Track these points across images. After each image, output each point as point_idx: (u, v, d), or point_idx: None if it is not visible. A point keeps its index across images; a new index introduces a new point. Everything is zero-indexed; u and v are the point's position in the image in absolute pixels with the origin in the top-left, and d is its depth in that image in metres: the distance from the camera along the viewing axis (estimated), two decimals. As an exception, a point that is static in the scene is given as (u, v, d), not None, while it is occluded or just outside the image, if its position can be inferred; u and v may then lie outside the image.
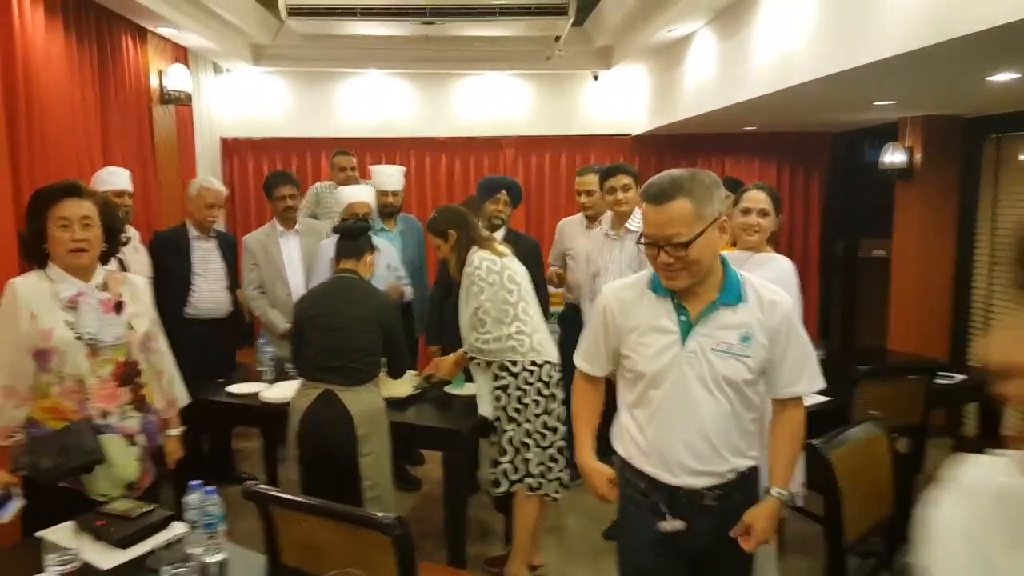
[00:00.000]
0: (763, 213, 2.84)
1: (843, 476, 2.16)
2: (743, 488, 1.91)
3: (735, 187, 3.36)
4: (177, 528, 2.05)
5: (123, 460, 2.26)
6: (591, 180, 3.96)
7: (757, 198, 2.85)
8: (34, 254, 2.24)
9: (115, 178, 3.61)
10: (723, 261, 1.86)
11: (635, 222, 3.44)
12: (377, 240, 3.43)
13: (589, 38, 5.86)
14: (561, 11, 4.75)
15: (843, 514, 2.14)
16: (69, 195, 2.20)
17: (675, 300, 1.85)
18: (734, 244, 2.92)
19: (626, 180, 3.54)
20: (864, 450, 2.28)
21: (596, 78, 6.23)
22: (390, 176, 4.34)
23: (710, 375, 1.82)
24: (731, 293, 1.84)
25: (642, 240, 1.83)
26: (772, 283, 2.72)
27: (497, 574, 3.18)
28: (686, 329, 1.83)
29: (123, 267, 3.43)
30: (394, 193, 4.31)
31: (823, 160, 6.36)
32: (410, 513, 3.94)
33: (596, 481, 2.05)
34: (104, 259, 2.33)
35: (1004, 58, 2.83)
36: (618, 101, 6.28)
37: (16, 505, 2.05)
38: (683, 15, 4.43)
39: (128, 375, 2.28)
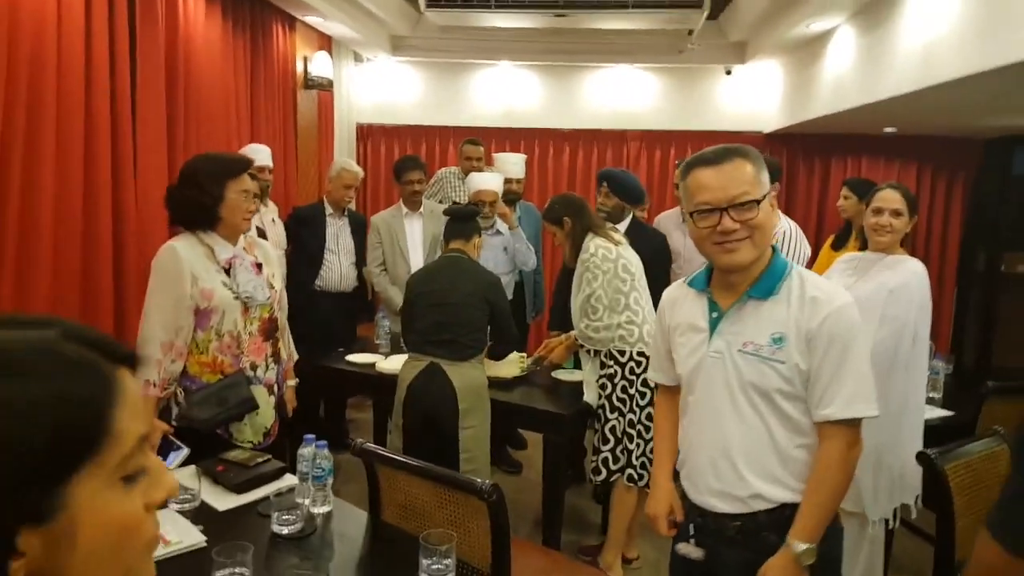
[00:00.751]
0: (896, 213, 2.68)
1: (958, 492, 2.03)
2: (780, 527, 1.59)
3: (866, 190, 3.21)
4: (289, 479, 2.19)
5: (266, 409, 2.48)
6: None
7: (890, 197, 2.70)
8: (204, 218, 2.37)
9: (257, 155, 3.87)
10: (773, 250, 1.64)
11: None
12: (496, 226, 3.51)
13: (723, 32, 5.72)
14: (695, 4, 4.67)
15: (956, 533, 2.01)
16: (247, 169, 2.42)
17: (710, 295, 1.68)
18: (864, 247, 2.79)
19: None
20: (983, 465, 2.13)
21: (729, 73, 6.07)
22: (514, 164, 4.43)
23: (736, 380, 1.60)
24: (764, 284, 1.60)
25: (697, 211, 1.59)
26: (901, 287, 2.62)
27: (590, 562, 3.20)
28: (714, 326, 1.65)
29: (262, 237, 3.70)
30: (517, 181, 4.41)
31: (970, 167, 5.92)
32: (509, 495, 4.02)
33: (652, 504, 1.87)
34: None
35: None
36: (751, 97, 6.10)
37: (182, 454, 2.19)
38: (823, 9, 4.25)
39: (271, 330, 2.50)
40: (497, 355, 3.28)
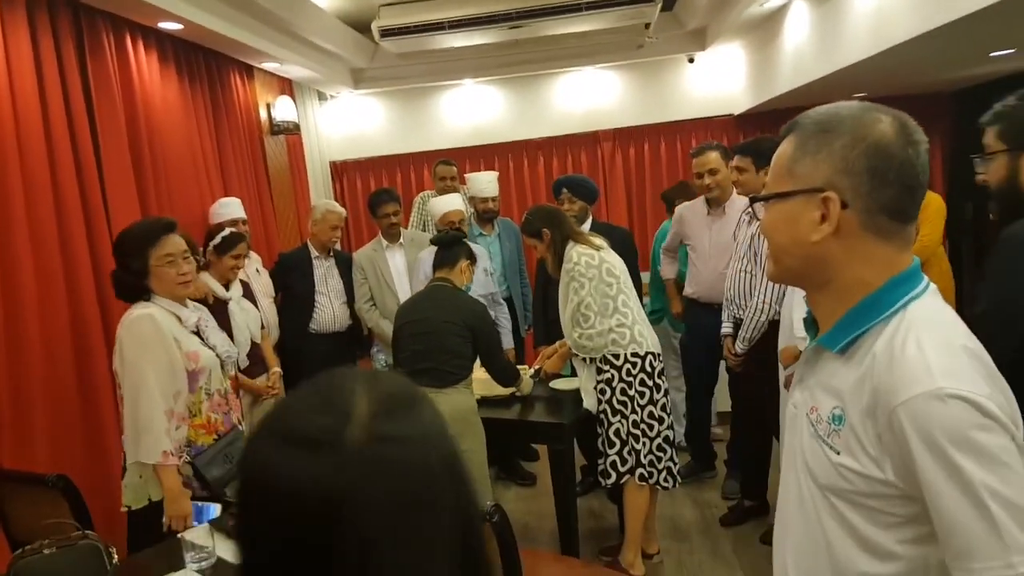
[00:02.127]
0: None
1: None
2: None
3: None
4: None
5: None
6: (712, 158, 3.68)
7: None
8: (131, 291, 2.35)
9: (228, 209, 3.89)
10: (901, 283, 1.07)
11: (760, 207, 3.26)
12: (473, 247, 3.53)
13: (680, 22, 5.75)
14: (648, -1, 4.69)
15: None
16: (168, 232, 2.34)
17: (811, 327, 1.20)
18: None
19: (741, 162, 3.33)
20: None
21: (692, 61, 6.09)
22: (488, 183, 4.44)
23: (799, 455, 1.14)
24: (838, 329, 1.09)
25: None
26: None
27: (611, 562, 3.20)
28: (803, 368, 1.20)
29: (248, 290, 3.70)
30: (493, 199, 4.42)
31: (944, 121, 5.94)
32: (523, 507, 4.02)
33: None
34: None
35: None
36: (717, 82, 6.12)
37: (217, 508, 2.21)
38: (773, -14, 4.28)
39: (235, 385, 2.50)
40: (501, 383, 3.28)
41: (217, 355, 2.39)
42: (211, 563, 2.01)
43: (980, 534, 0.93)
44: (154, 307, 2.35)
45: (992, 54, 3.97)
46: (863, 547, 1.05)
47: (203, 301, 3.09)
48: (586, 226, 3.74)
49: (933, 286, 1.10)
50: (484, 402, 3.28)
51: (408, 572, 0.61)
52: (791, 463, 1.18)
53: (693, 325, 3.98)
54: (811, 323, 1.18)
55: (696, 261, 3.95)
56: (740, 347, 3.33)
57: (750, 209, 3.33)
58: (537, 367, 3.49)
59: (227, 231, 3.49)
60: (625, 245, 3.69)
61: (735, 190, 3.65)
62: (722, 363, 3.84)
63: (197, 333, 2.43)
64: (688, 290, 4.03)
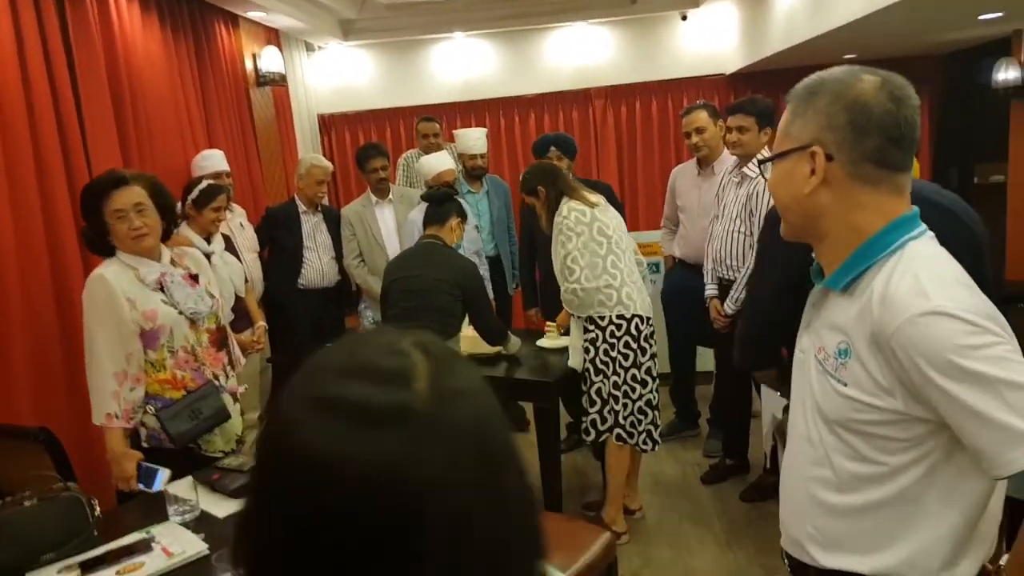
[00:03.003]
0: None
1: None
2: None
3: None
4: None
5: (235, 417, 2.49)
6: (700, 117, 3.67)
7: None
8: (101, 247, 2.32)
9: (210, 161, 3.82)
10: (897, 227, 1.15)
11: (753, 167, 3.25)
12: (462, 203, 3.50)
13: (674, -23, 5.64)
14: (640, -48, 4.60)
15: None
16: (116, 186, 2.25)
17: (818, 275, 1.27)
18: None
19: (742, 120, 3.25)
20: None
21: (684, 18, 5.99)
22: (477, 140, 4.38)
23: (808, 396, 1.24)
24: (843, 269, 1.18)
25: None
26: None
27: (594, 517, 3.25)
28: (808, 314, 1.31)
29: (230, 244, 3.67)
30: (482, 156, 4.36)
31: (932, 83, 5.89)
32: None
33: None
34: (164, 236, 2.40)
35: None
36: (709, 40, 6.03)
37: (165, 475, 2.18)
38: (768, -59, 4.19)
39: (222, 339, 2.49)
40: (491, 343, 3.28)
41: (180, 312, 2.34)
42: (194, 516, 2.02)
43: (1007, 424, 1.02)
44: (114, 265, 2.30)
45: (980, 17, 3.92)
46: (870, 473, 1.15)
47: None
48: None
49: (931, 233, 1.18)
50: (470, 360, 3.30)
51: (503, 534, 0.54)
52: (799, 408, 1.27)
53: (680, 286, 3.98)
54: (818, 272, 1.27)
55: (686, 222, 3.96)
56: (731, 307, 3.33)
57: (741, 170, 3.32)
58: (556, 328, 3.52)
59: (204, 183, 3.43)
60: (610, 199, 3.68)
61: (726, 150, 3.63)
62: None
63: (163, 288, 2.36)
64: (677, 251, 4.04)
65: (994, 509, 1.18)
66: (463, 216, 3.27)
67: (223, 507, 2.09)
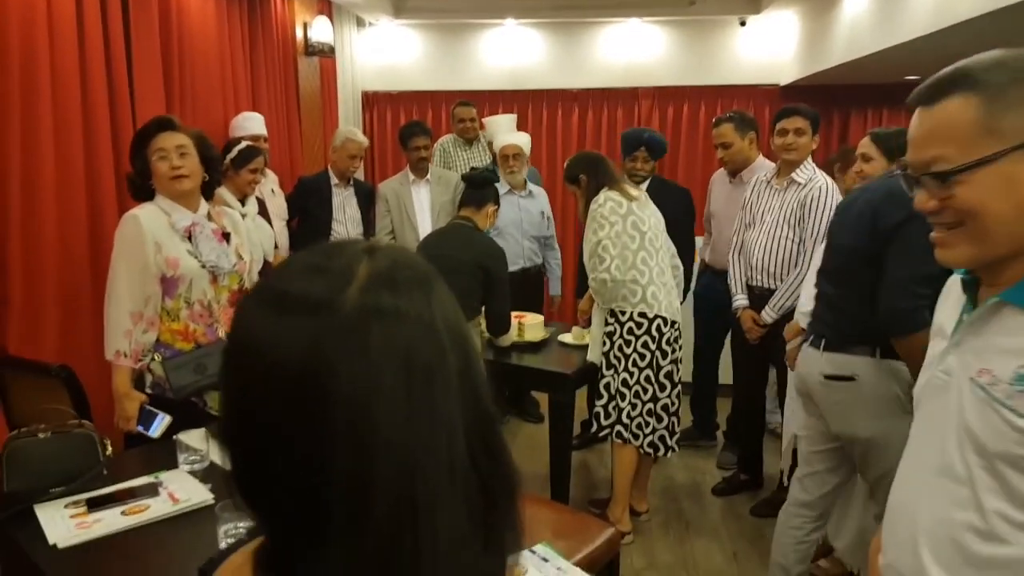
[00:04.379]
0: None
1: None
2: None
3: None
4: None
5: None
6: (726, 131, 3.71)
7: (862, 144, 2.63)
8: (142, 191, 2.37)
9: (250, 123, 3.83)
10: None
11: (802, 173, 3.23)
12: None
13: (736, -19, 5.55)
14: (703, -48, 4.53)
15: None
16: (162, 129, 2.32)
17: (971, 285, 1.09)
18: None
19: (800, 123, 3.23)
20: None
21: (743, 24, 5.89)
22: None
23: (956, 421, 1.04)
24: None
25: (901, 171, 1.10)
26: None
27: (599, 515, 3.21)
28: (956, 332, 1.10)
29: (263, 209, 3.68)
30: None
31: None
32: (518, 455, 4.02)
33: None
34: (207, 190, 2.44)
35: None
36: (766, 48, 5.93)
37: (165, 421, 2.21)
38: (836, -50, 4.09)
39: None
40: (493, 332, 3.25)
41: (203, 265, 2.35)
42: (204, 466, 2.03)
43: None
44: (149, 208, 2.33)
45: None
46: (1013, 523, 0.97)
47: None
48: (644, 184, 3.70)
49: None
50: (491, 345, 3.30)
51: (417, 452, 0.56)
52: (930, 436, 1.09)
53: (708, 293, 3.93)
54: (971, 285, 1.08)
55: (714, 228, 3.96)
56: (770, 315, 3.27)
57: (789, 176, 3.25)
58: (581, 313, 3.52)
59: (243, 144, 3.44)
60: (682, 204, 3.81)
61: (760, 158, 3.69)
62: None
63: (191, 238, 2.37)
64: (707, 257, 4.02)
65: None
66: (498, 203, 3.24)
67: (233, 461, 2.10)
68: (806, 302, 2.69)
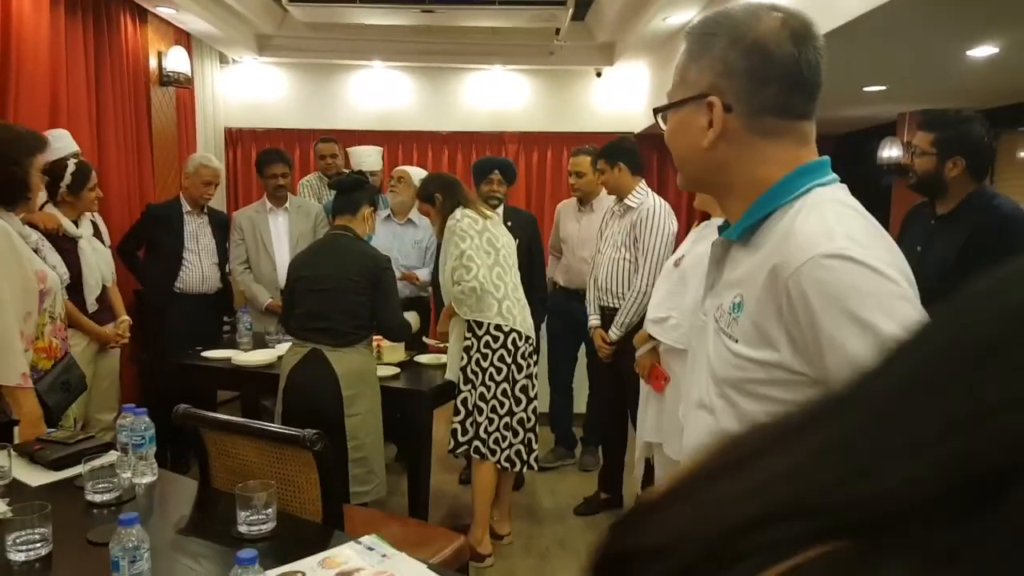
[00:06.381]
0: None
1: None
2: None
3: None
4: (113, 455, 2.05)
5: None
6: (582, 162, 3.97)
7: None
8: (18, 194, 2.19)
9: (62, 142, 3.29)
10: (802, 174, 1.05)
11: (635, 198, 3.44)
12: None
13: (591, 33, 5.88)
14: (560, 2, 4.78)
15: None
16: (43, 148, 2.27)
17: (726, 223, 1.16)
18: None
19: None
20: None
21: (599, 75, 6.24)
22: (369, 156, 4.44)
23: (704, 359, 1.14)
24: (744, 219, 1.08)
25: None
26: None
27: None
28: (713, 272, 1.18)
29: (97, 230, 3.44)
30: (372, 173, 4.30)
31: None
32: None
33: None
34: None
35: (979, 26, 2.79)
36: (621, 98, 6.29)
37: None
38: (675, 2, 4.43)
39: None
40: (389, 338, 3.19)
41: (59, 276, 2.25)
42: (5, 483, 1.88)
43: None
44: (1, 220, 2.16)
45: (865, 88, 4.24)
46: None
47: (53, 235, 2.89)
48: (499, 209, 3.77)
49: (844, 186, 1.09)
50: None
51: None
52: (695, 376, 1.18)
53: (559, 311, 4.14)
54: (724, 230, 1.16)
55: (566, 252, 4.18)
56: (615, 333, 3.38)
57: (623, 203, 3.45)
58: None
59: (73, 164, 3.17)
60: (530, 228, 3.97)
61: (603, 190, 3.85)
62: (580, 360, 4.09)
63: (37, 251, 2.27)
64: (559, 278, 4.24)
65: None
66: (375, 205, 3.08)
67: (39, 477, 1.95)
68: (654, 311, 2.81)
